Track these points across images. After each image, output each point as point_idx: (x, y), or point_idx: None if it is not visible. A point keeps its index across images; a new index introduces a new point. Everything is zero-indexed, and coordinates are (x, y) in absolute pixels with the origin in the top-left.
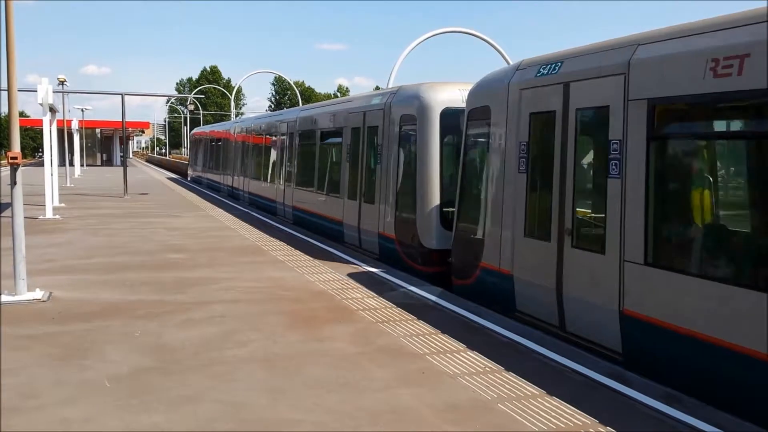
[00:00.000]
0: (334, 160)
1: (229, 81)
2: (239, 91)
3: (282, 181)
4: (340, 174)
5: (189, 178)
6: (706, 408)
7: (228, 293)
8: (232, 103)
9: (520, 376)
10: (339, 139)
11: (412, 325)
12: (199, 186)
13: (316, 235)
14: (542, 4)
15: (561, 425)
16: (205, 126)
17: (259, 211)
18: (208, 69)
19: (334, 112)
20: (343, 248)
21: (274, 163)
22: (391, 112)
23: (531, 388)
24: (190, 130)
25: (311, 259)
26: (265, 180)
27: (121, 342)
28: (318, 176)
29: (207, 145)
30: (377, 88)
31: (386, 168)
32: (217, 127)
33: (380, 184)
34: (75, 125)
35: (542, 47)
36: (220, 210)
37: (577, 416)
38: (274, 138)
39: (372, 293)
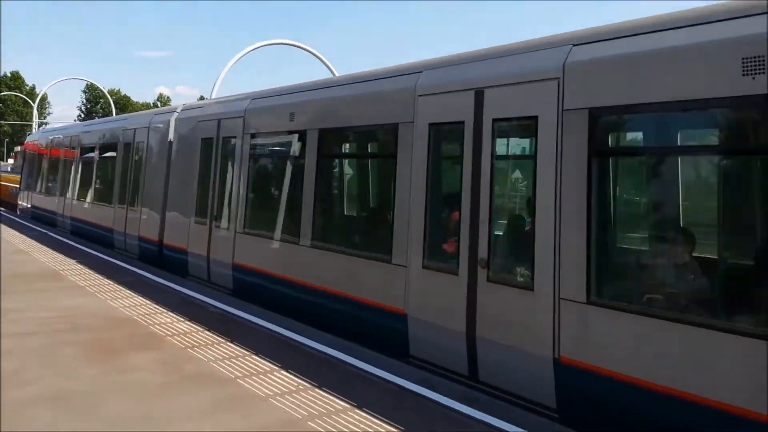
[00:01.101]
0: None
1: (33, 88)
2: (44, 99)
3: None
4: None
5: (19, 211)
6: (499, 404)
7: (17, 326)
8: (35, 112)
9: (333, 391)
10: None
11: (224, 348)
12: (53, 228)
13: None
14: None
15: None
16: (63, 127)
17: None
18: (9, 75)
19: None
20: (152, 269)
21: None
22: None
23: (342, 403)
24: None
25: (114, 283)
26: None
27: None
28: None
29: (74, 163)
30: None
31: None
32: (101, 126)
33: None
34: None
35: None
36: (12, 231)
37: (386, 426)
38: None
39: (182, 317)
